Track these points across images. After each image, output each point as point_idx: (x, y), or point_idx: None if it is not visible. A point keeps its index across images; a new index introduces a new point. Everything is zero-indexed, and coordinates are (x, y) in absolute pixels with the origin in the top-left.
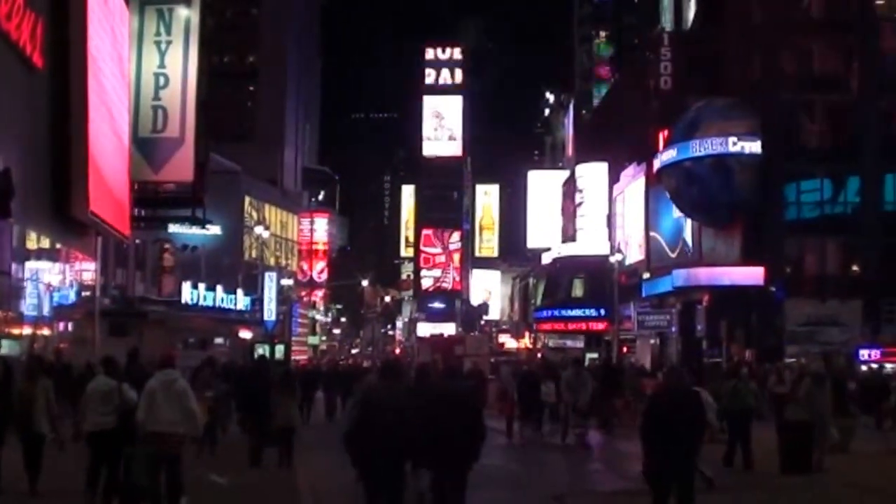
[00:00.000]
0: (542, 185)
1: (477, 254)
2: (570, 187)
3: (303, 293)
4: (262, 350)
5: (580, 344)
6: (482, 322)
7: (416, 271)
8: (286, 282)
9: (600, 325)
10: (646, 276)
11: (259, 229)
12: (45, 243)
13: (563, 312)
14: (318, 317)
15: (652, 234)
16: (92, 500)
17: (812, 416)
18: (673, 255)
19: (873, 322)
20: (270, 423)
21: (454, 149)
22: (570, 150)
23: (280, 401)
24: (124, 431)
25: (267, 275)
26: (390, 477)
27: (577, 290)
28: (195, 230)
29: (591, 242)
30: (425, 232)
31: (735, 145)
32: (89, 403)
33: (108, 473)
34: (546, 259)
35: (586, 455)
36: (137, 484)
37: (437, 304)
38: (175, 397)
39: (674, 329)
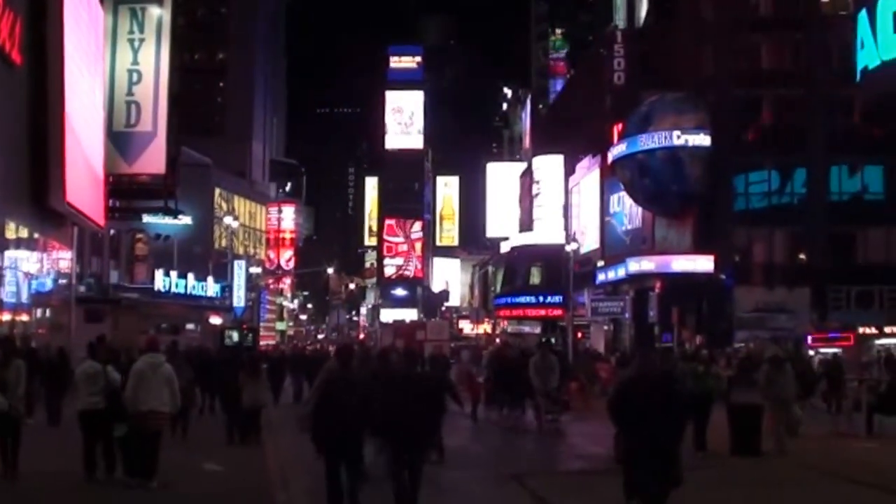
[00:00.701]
0: (501, 177)
1: (438, 243)
2: (527, 179)
3: (270, 281)
4: (233, 336)
5: (537, 330)
6: (443, 308)
7: (380, 259)
8: (255, 270)
9: (556, 312)
10: (600, 264)
11: (228, 219)
12: (24, 233)
13: (521, 299)
14: (285, 303)
15: (606, 222)
16: (93, 478)
17: (770, 401)
18: (626, 244)
19: (821, 309)
20: (239, 404)
21: (415, 142)
22: (527, 143)
23: (247, 382)
24: (112, 410)
25: (236, 263)
26: (348, 452)
27: (535, 278)
28: (167, 220)
29: (547, 232)
30: (388, 222)
31: (686, 138)
32: (79, 386)
33: (104, 449)
34: (504, 248)
35: (559, 440)
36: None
37: (400, 291)
38: (162, 379)
39: (627, 315)
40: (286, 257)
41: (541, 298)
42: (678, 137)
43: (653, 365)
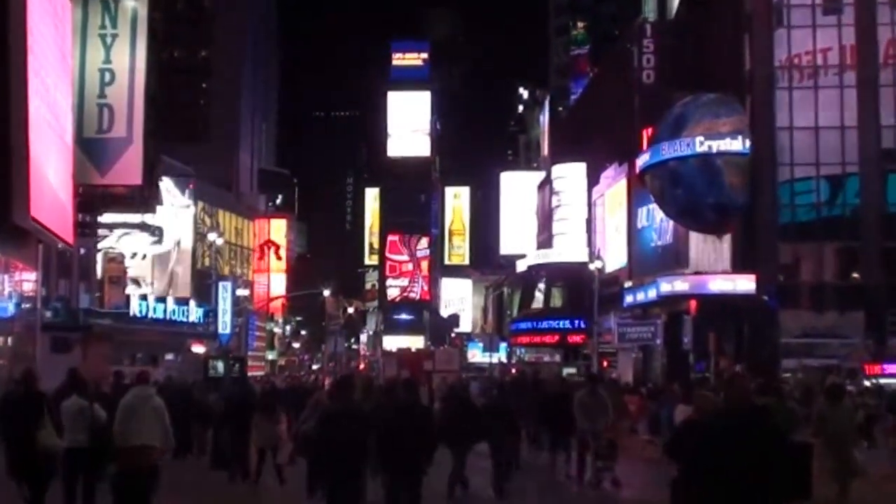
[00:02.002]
0: (517, 188)
1: (446, 261)
2: (546, 189)
3: (259, 304)
4: (218, 366)
5: (557, 358)
6: (453, 335)
7: (382, 280)
8: (242, 292)
9: (579, 338)
10: (628, 284)
11: (212, 236)
12: None
13: (540, 324)
14: (276, 329)
15: (635, 237)
16: None
17: (825, 440)
18: (657, 262)
19: (877, 334)
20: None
21: (421, 148)
22: (545, 150)
23: (262, 421)
24: (98, 449)
25: (221, 285)
26: (348, 490)
27: (555, 300)
28: (145, 237)
29: (569, 249)
30: (391, 238)
31: (723, 144)
32: (64, 422)
33: (85, 490)
34: (521, 267)
35: (614, 492)
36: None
37: (405, 316)
38: (152, 413)
39: (658, 341)
40: (277, 278)
41: (562, 323)
42: (715, 143)
43: (743, 396)
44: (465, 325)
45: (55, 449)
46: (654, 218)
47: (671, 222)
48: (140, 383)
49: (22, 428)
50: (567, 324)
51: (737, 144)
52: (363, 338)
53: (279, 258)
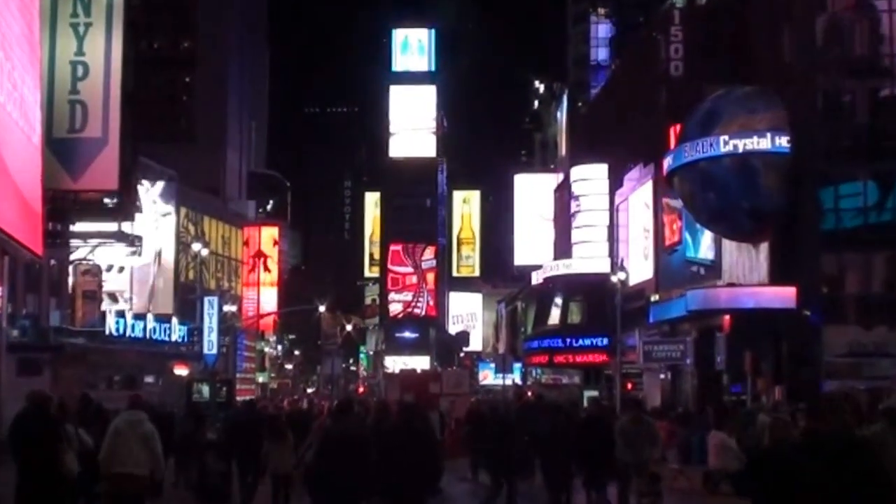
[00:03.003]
0: (532, 191)
1: (455, 273)
2: (564, 193)
3: (249, 321)
4: (203, 390)
5: (576, 380)
6: (462, 354)
7: (383, 295)
8: (229, 308)
9: (601, 357)
10: (654, 298)
11: (197, 246)
12: None
13: (557, 342)
14: (267, 349)
15: (661, 248)
16: None
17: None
18: (686, 274)
19: None
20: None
21: (427, 148)
22: (563, 149)
23: (273, 447)
24: (86, 475)
25: (207, 300)
26: None
27: (574, 316)
28: (122, 248)
29: (589, 259)
30: (393, 248)
31: (760, 142)
32: None
33: None
34: (536, 279)
35: None
36: None
37: (408, 334)
38: (142, 439)
39: (688, 361)
40: (268, 293)
41: (581, 341)
42: (750, 141)
43: (840, 419)
44: (475, 344)
45: (73, 475)
46: (684, 224)
47: (703, 229)
48: (131, 407)
49: (39, 453)
50: (587, 342)
51: (776, 143)
52: (363, 358)
53: (268, 270)
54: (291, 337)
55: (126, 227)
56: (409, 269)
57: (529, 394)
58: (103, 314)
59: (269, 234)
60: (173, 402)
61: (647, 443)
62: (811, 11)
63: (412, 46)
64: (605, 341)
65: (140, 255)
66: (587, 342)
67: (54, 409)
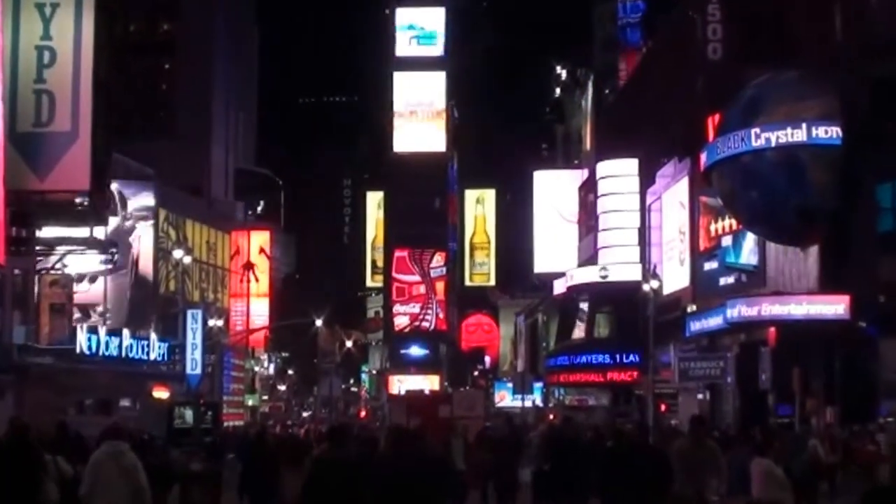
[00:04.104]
0: (553, 190)
1: (468, 282)
2: (589, 192)
3: (237, 337)
4: (186, 415)
5: (605, 401)
6: (476, 373)
7: (387, 307)
8: (215, 322)
9: (630, 376)
10: (691, 308)
11: (178, 253)
12: None
13: (582, 359)
14: (257, 368)
15: (699, 253)
16: None
17: None
18: (727, 281)
19: None
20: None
21: (435, 142)
22: (588, 143)
23: (289, 473)
24: None
25: (190, 313)
26: None
27: (601, 329)
28: (94, 256)
29: (618, 265)
30: (398, 254)
31: (809, 133)
32: None
33: None
34: (559, 288)
35: None
36: None
37: (416, 350)
38: (123, 471)
39: (729, 379)
40: (259, 305)
41: (609, 357)
42: (798, 132)
43: None
44: (490, 361)
45: None
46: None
47: (746, 231)
48: (110, 437)
49: (20, 483)
50: (616, 358)
51: (826, 133)
52: (364, 378)
53: (258, 279)
54: (285, 355)
55: (99, 232)
56: (417, 278)
57: (551, 416)
58: (73, 330)
59: (260, 238)
60: (153, 427)
61: (712, 470)
62: None
63: (419, 28)
64: (636, 357)
65: (115, 263)
66: (616, 358)
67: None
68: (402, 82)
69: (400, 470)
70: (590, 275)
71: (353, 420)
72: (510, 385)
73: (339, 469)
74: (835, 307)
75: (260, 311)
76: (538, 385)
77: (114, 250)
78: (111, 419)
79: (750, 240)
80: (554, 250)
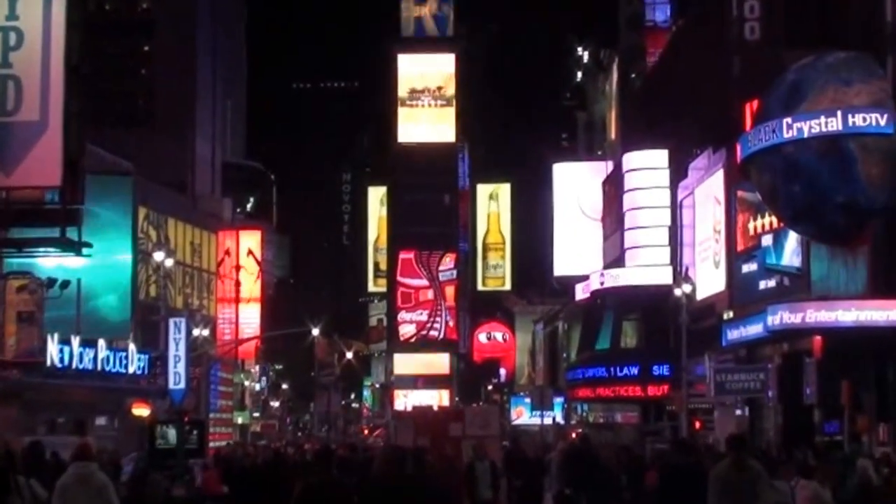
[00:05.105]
0: (575, 184)
1: (481, 286)
2: (615, 186)
3: (225, 348)
4: (169, 434)
5: (634, 418)
6: (489, 387)
7: (392, 314)
8: (200, 332)
9: (660, 390)
10: (727, 315)
11: (160, 255)
12: None
13: (608, 371)
14: (247, 383)
15: (735, 254)
16: None
17: None
18: (767, 285)
19: None
20: None
21: (444, 131)
22: (613, 132)
23: None
24: None
25: (173, 322)
26: None
27: (629, 338)
28: (66, 259)
29: (646, 267)
30: (404, 255)
31: (858, 121)
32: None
33: None
34: (581, 293)
35: None
36: None
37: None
38: (93, 494)
39: (770, 393)
40: (248, 311)
41: (637, 369)
42: (845, 120)
43: None
44: (506, 374)
45: None
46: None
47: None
48: (79, 458)
49: None
50: (645, 370)
51: (876, 121)
52: (367, 393)
53: (237, 283)
54: (278, 367)
55: (71, 232)
56: (424, 282)
57: (574, 435)
58: (43, 341)
59: (250, 239)
60: (132, 448)
61: (756, 497)
62: None
63: (426, 4)
64: (667, 370)
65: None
66: (645, 371)
67: (1, 458)
68: (407, 66)
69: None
70: (615, 278)
71: (357, 439)
72: (528, 400)
73: (329, 496)
74: (887, 313)
75: (250, 319)
76: (559, 400)
77: (89, 252)
78: (85, 439)
79: (792, 239)
80: (576, 251)
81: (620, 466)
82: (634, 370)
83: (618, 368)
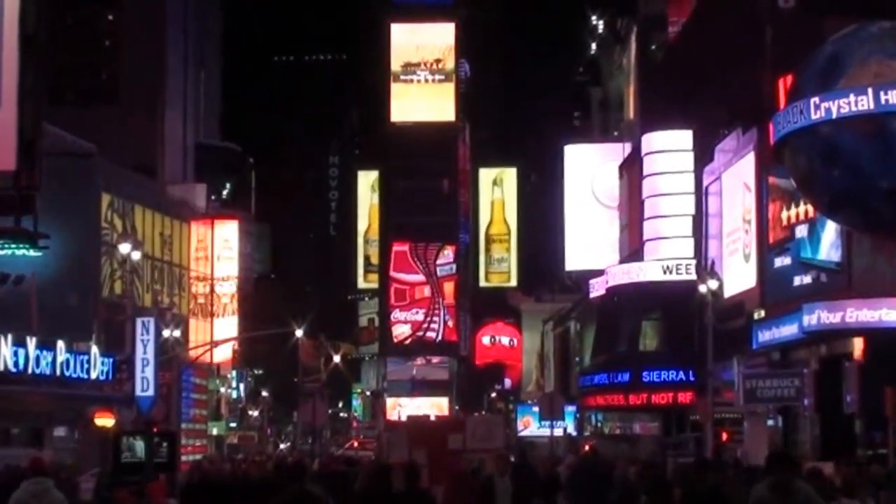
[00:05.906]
0: (589, 168)
1: (483, 282)
2: (633, 171)
3: (198, 350)
4: (136, 447)
5: (655, 429)
6: (493, 395)
7: (384, 313)
8: (171, 333)
9: (684, 397)
10: (758, 315)
11: (126, 248)
12: None
13: (626, 377)
14: (224, 390)
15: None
16: None
17: None
18: (803, 281)
19: None
20: None
21: (442, 110)
22: (632, 110)
23: None
24: None
25: (140, 322)
26: None
27: (648, 340)
28: (21, 251)
29: (668, 261)
30: (398, 248)
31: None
32: None
33: None
34: (596, 289)
35: None
36: None
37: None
38: None
39: (806, 401)
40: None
41: (659, 375)
42: (889, 96)
43: None
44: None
45: None
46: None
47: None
48: (33, 473)
49: None
50: (666, 376)
51: None
52: (356, 402)
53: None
54: (258, 372)
55: (27, 222)
56: (420, 278)
57: (587, 448)
58: None
59: (226, 230)
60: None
61: None
62: None
63: None
64: (692, 375)
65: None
66: (666, 376)
67: None
68: (401, 36)
69: None
70: (634, 273)
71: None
72: (536, 409)
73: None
74: None
75: (227, 320)
76: (570, 409)
77: (46, 244)
78: (42, 452)
79: (831, 230)
80: (589, 242)
81: (641, 483)
82: (655, 376)
83: (636, 374)
